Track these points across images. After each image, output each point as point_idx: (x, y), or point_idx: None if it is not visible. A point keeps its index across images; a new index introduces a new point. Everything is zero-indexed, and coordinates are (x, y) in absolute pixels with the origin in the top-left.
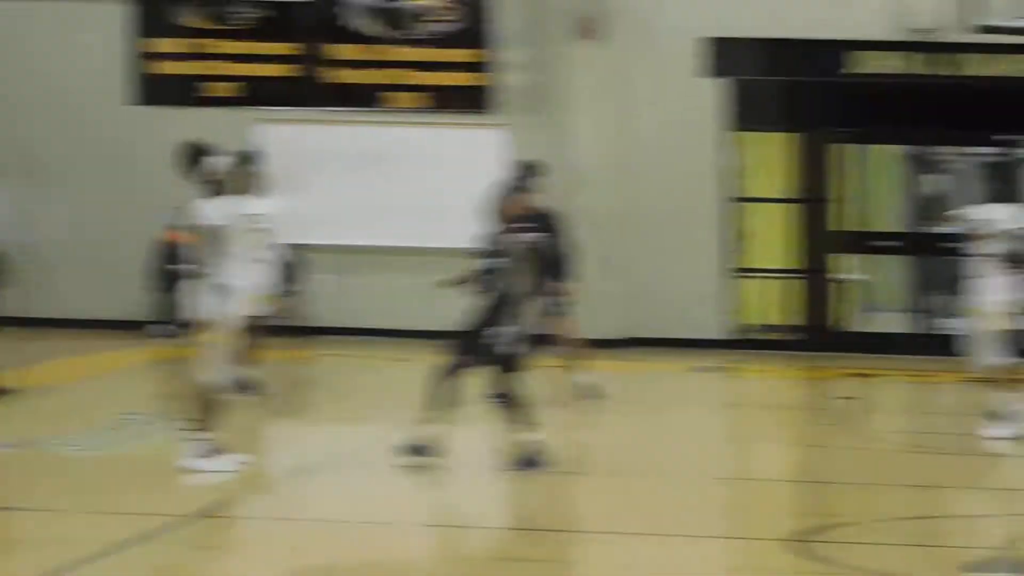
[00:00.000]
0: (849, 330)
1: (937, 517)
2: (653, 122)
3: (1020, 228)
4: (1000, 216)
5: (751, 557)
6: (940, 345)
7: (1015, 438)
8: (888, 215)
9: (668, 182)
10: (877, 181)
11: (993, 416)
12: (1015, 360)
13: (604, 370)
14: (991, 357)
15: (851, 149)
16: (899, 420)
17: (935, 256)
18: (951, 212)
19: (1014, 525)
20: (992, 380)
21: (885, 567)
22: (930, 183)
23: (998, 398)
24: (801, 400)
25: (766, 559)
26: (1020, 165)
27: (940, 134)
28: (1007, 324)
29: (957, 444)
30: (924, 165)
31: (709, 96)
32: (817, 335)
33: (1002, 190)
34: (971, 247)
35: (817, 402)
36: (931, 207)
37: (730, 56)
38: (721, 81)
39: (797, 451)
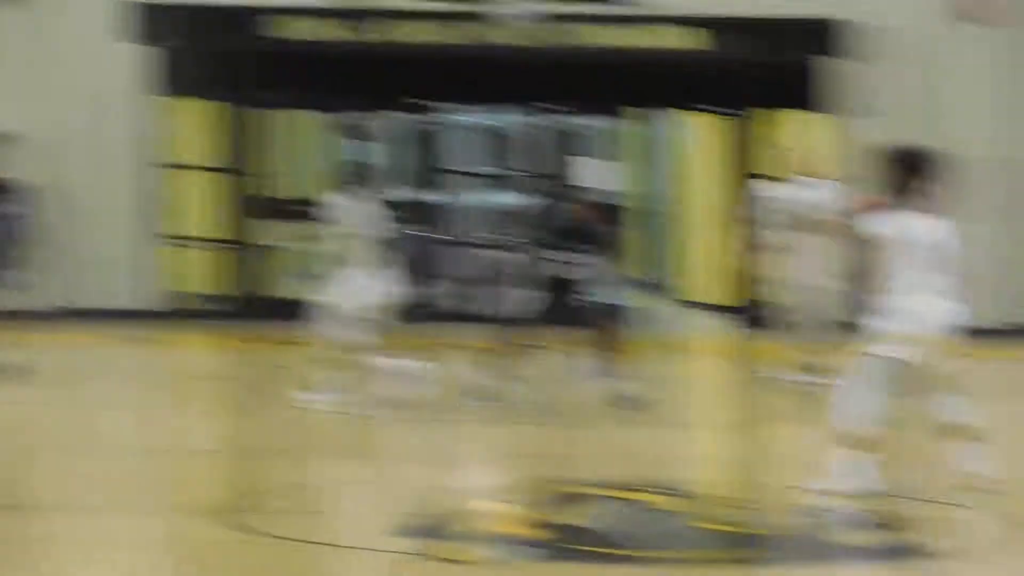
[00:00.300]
0: (278, 298)
1: (363, 483)
2: (76, 88)
3: (372, 223)
4: (348, 208)
5: (175, 530)
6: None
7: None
8: (314, 182)
9: (94, 149)
10: (303, 148)
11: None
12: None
13: (33, 344)
14: (341, 331)
15: (276, 116)
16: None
17: None
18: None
19: (434, 489)
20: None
21: (311, 535)
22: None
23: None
24: (230, 370)
25: (191, 531)
26: (439, 132)
27: (361, 101)
28: (375, 315)
29: (379, 411)
30: (348, 131)
31: (134, 62)
32: (246, 304)
33: (366, 177)
34: (337, 237)
35: (246, 372)
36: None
37: (155, 22)
38: (147, 47)
39: (225, 421)
